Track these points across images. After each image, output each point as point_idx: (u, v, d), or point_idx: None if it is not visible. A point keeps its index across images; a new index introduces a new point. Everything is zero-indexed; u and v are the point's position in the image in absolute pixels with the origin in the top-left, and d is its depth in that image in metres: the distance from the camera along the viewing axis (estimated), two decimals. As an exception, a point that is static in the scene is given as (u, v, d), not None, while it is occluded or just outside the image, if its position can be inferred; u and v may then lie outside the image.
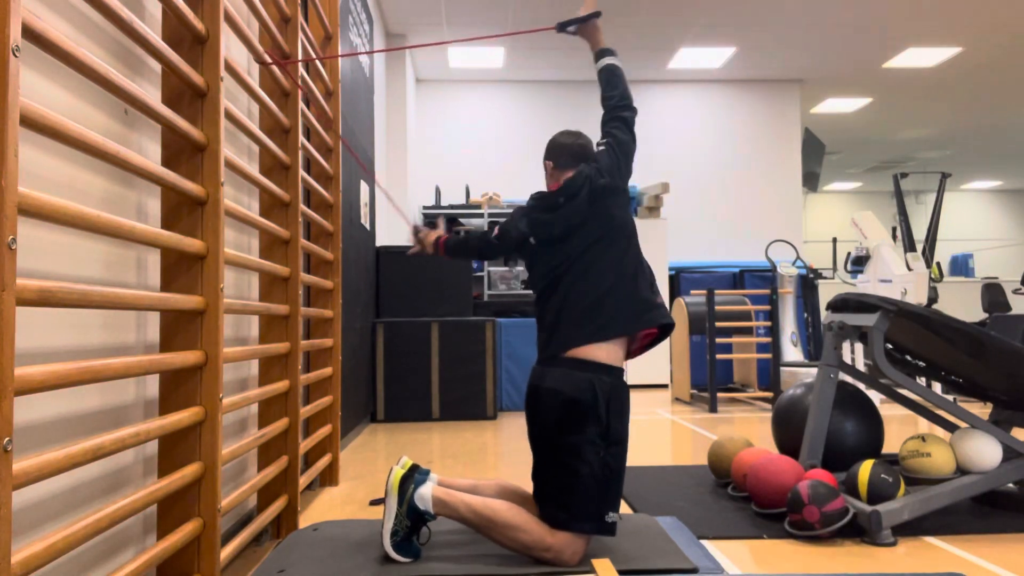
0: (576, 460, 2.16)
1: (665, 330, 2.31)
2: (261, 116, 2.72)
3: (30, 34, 1.19)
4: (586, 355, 2.21)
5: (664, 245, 7.70)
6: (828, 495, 2.56)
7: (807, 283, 7.55)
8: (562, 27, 2.51)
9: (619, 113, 2.43)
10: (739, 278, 7.84)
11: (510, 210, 8.25)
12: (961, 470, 2.79)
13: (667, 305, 7.68)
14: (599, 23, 2.51)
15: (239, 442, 2.19)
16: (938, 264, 9.83)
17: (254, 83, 2.45)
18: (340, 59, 3.81)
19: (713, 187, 9.12)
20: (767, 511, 2.84)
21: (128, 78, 1.82)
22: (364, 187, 5.08)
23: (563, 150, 2.43)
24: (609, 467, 2.17)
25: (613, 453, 2.18)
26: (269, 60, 2.57)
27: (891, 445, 4.22)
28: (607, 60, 2.48)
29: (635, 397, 6.91)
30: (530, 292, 8.31)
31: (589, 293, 2.25)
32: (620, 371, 2.25)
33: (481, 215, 8.30)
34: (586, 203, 2.30)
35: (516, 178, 8.90)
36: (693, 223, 9.07)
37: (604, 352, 2.22)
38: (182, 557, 1.78)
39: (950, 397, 5.10)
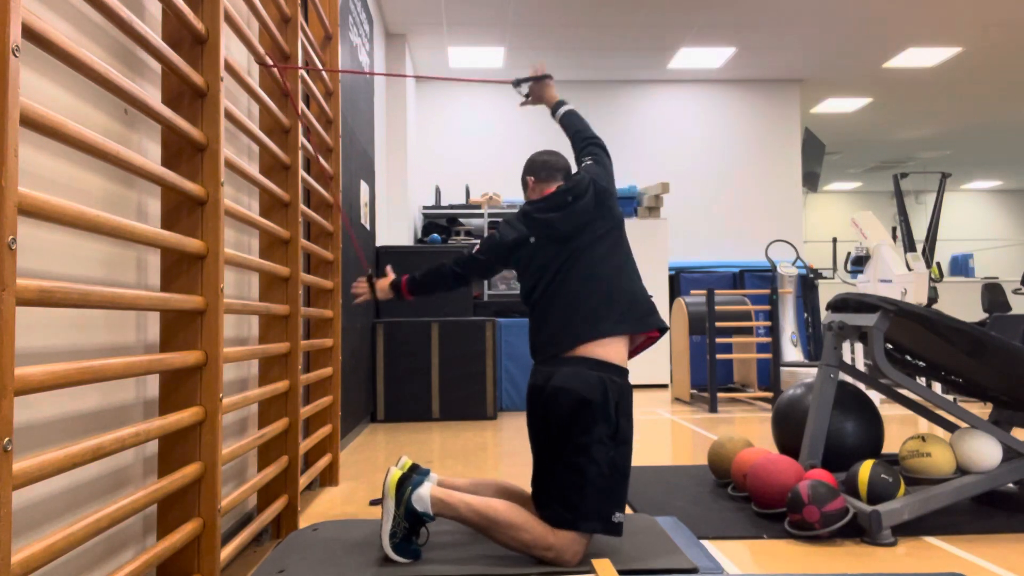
0: (585, 460, 2.16)
1: (662, 333, 2.39)
2: (261, 116, 2.72)
3: (30, 34, 1.19)
4: (596, 354, 2.23)
5: (664, 245, 7.70)
6: (828, 495, 2.56)
7: (807, 283, 7.56)
8: (517, 83, 2.72)
9: (592, 142, 2.61)
10: (739, 278, 7.84)
11: (511, 210, 8.25)
12: (961, 470, 2.79)
13: (667, 306, 7.68)
14: (551, 82, 2.71)
15: (239, 442, 2.19)
16: (938, 264, 9.82)
17: (254, 83, 2.45)
18: (339, 58, 3.81)
19: (713, 187, 9.12)
20: (767, 511, 2.84)
21: (128, 78, 1.82)
22: (364, 187, 5.08)
23: (544, 165, 2.54)
24: (617, 467, 2.19)
25: (621, 453, 2.21)
26: (270, 62, 2.57)
27: (891, 445, 4.22)
28: (566, 107, 2.69)
29: (635, 397, 6.91)
30: (530, 292, 8.29)
31: (598, 289, 2.29)
32: (627, 371, 2.29)
33: (481, 215, 8.30)
34: (593, 202, 2.38)
35: (516, 178, 8.89)
36: (693, 223, 9.07)
37: (614, 351, 2.25)
38: (182, 557, 1.78)
39: (950, 397, 5.10)
